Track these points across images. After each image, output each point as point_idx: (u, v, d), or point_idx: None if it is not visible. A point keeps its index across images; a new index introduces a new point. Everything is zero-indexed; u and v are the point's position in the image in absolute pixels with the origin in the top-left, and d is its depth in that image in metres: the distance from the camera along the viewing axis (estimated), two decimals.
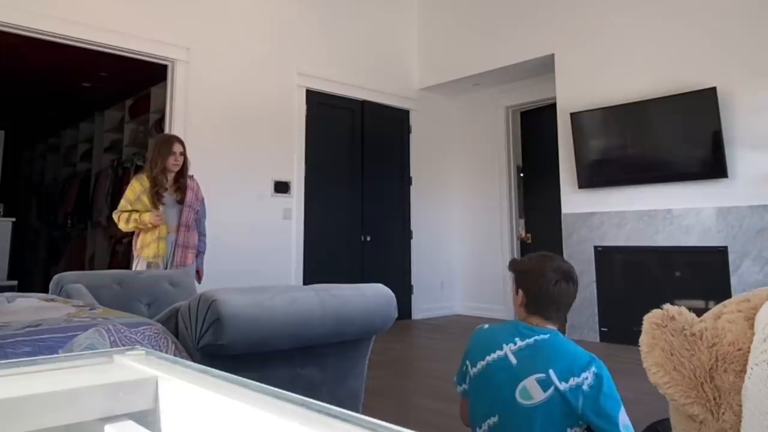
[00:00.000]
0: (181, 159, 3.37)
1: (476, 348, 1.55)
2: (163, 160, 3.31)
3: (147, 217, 3.20)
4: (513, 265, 1.63)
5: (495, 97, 6.43)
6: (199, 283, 3.43)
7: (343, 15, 5.88)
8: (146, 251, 3.23)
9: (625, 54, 4.81)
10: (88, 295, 2.33)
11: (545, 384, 1.39)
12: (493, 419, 1.44)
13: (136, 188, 3.29)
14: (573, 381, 1.37)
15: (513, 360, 1.46)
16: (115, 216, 3.33)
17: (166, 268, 3.23)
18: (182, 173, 3.40)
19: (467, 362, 1.57)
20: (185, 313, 1.54)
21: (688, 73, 4.41)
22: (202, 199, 3.53)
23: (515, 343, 1.47)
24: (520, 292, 1.54)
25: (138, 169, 5.70)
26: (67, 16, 4.14)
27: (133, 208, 3.27)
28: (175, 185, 3.38)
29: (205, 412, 0.51)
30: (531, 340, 1.47)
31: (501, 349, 1.48)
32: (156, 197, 3.25)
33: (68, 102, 7.21)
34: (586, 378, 1.38)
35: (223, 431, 0.49)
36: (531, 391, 1.40)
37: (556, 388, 1.37)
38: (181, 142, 3.41)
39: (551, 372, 1.39)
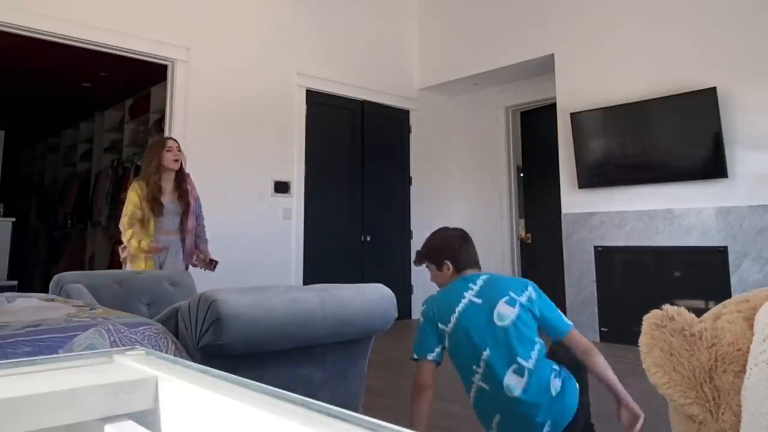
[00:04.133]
0: (179, 154, 3.30)
1: (439, 311, 1.80)
2: (158, 157, 3.23)
3: (144, 244, 3.08)
4: (422, 254, 1.94)
5: (495, 97, 6.42)
6: (213, 270, 3.44)
7: (343, 15, 5.88)
8: (136, 263, 3.14)
9: (625, 54, 4.80)
10: (88, 295, 2.33)
11: (511, 302, 1.75)
12: (486, 353, 1.71)
13: (134, 199, 3.16)
14: (524, 296, 1.77)
15: (478, 300, 1.77)
16: (123, 234, 3.18)
17: (160, 267, 3.21)
18: (182, 177, 3.35)
19: (439, 324, 1.78)
20: (185, 313, 1.54)
21: (688, 73, 4.41)
22: (197, 196, 3.48)
23: (471, 290, 1.80)
24: (446, 264, 1.88)
25: (138, 169, 5.69)
26: (67, 16, 4.13)
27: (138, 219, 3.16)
28: (177, 192, 3.31)
29: (205, 412, 0.51)
30: (480, 281, 1.81)
31: (463, 298, 1.78)
32: (154, 202, 3.16)
33: (68, 102, 7.21)
34: (530, 293, 1.80)
35: (223, 431, 0.49)
36: (504, 312, 1.73)
37: (520, 303, 1.75)
38: (174, 141, 3.37)
39: (510, 292, 1.77)
